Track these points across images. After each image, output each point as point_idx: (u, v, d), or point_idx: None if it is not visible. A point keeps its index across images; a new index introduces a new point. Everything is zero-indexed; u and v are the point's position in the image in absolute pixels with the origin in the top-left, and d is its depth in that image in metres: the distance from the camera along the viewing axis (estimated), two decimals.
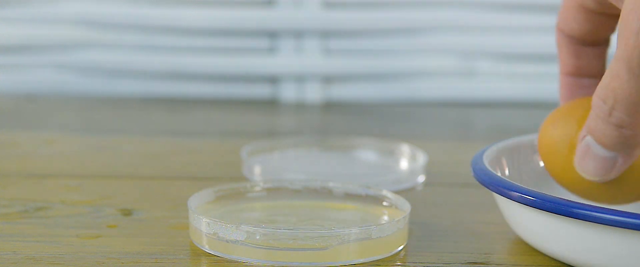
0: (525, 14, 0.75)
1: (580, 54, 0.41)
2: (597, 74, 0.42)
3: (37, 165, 0.55)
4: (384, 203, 0.44)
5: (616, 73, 0.35)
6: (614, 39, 0.40)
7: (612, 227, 0.36)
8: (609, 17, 0.40)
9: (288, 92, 0.75)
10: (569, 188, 0.40)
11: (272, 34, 0.77)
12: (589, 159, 0.37)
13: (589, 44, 0.41)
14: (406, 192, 0.50)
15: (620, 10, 0.37)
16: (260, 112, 0.74)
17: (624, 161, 0.37)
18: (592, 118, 0.37)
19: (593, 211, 0.36)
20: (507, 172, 0.44)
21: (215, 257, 0.39)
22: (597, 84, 0.40)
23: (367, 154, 0.56)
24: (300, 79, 0.75)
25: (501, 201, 0.41)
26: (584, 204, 0.37)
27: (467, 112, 0.74)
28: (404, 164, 0.54)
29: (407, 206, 0.42)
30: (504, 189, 0.39)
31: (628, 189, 0.39)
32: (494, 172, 0.41)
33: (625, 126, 0.36)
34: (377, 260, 0.40)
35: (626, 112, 0.35)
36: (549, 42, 0.77)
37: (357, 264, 0.39)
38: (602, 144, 0.37)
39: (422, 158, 0.53)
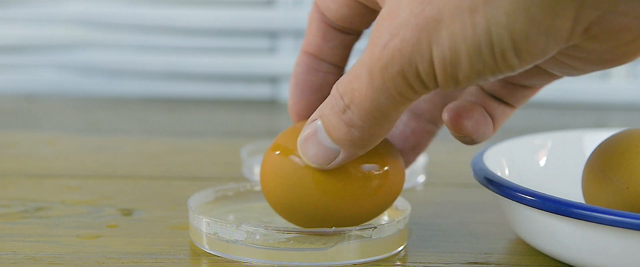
0: None
1: (328, 36, 0.40)
2: (337, 62, 0.41)
3: (37, 165, 0.55)
4: None
5: (358, 74, 0.34)
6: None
7: (612, 227, 0.36)
8: (368, 10, 0.39)
9: (288, 92, 0.75)
10: (288, 218, 0.40)
11: (272, 34, 0.77)
12: (313, 143, 0.37)
13: (340, 29, 0.40)
14: (406, 192, 0.50)
15: (379, 9, 0.37)
16: (260, 112, 0.74)
17: (345, 157, 0.37)
18: (328, 107, 0.36)
19: (593, 211, 0.36)
20: (507, 172, 0.44)
21: (215, 257, 0.39)
22: (334, 72, 0.41)
23: None
24: None
25: (501, 200, 0.41)
26: (584, 204, 0.37)
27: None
28: None
29: (407, 206, 0.42)
30: (504, 189, 0.39)
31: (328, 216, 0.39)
32: (494, 172, 0.41)
33: (355, 127, 0.36)
34: (377, 260, 0.40)
35: (359, 115, 0.35)
36: None
37: (357, 264, 0.39)
38: (329, 134, 0.36)
39: (422, 158, 0.53)
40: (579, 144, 0.47)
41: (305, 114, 0.41)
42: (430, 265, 0.40)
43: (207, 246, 0.40)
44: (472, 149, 0.52)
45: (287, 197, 0.39)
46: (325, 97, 0.38)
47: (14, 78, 0.78)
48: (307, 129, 0.37)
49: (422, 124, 0.42)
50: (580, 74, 0.35)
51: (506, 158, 0.45)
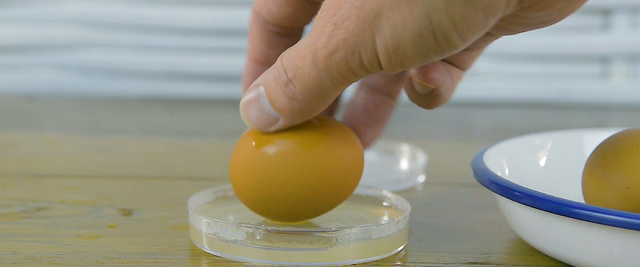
0: None
1: (273, 43, 0.42)
2: None
3: (37, 165, 0.55)
4: (384, 203, 0.44)
5: (303, 55, 0.36)
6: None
7: (612, 227, 0.36)
8: (309, 4, 0.41)
9: None
10: (258, 211, 0.40)
11: None
12: (255, 107, 0.39)
13: (283, 33, 0.42)
14: (406, 192, 0.50)
15: (321, 1, 0.39)
16: None
17: (285, 123, 0.38)
18: (271, 76, 0.38)
19: (593, 211, 0.36)
20: (507, 172, 0.44)
21: (215, 257, 0.39)
22: None
23: (367, 154, 0.55)
24: None
25: (501, 201, 0.41)
26: (584, 204, 0.37)
27: (467, 112, 0.74)
28: (404, 164, 0.54)
29: (407, 206, 0.42)
30: (504, 189, 0.39)
31: (298, 210, 0.40)
32: (494, 172, 0.41)
33: (296, 100, 0.37)
34: (377, 260, 0.40)
35: (301, 90, 0.37)
36: (550, 42, 0.77)
37: (357, 264, 0.39)
38: (271, 102, 0.38)
39: (422, 158, 0.53)
40: (579, 144, 0.47)
41: None
42: (430, 265, 0.40)
43: (207, 246, 0.40)
44: (472, 149, 0.52)
45: (256, 188, 0.39)
46: None
47: (14, 78, 0.78)
48: (250, 92, 0.39)
49: (380, 97, 0.44)
50: (516, 33, 0.37)
51: (506, 158, 0.45)
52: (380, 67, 0.35)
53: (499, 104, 0.76)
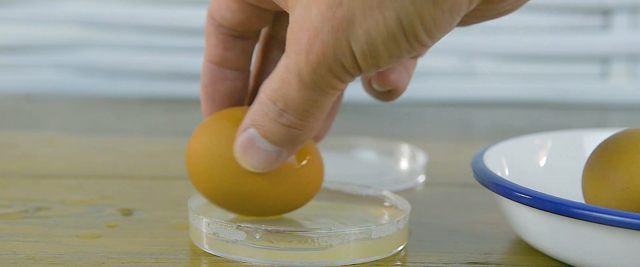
0: (525, 14, 0.75)
1: (228, 45, 0.42)
2: (242, 67, 0.42)
3: (37, 165, 0.55)
4: (384, 203, 0.44)
5: (287, 81, 0.36)
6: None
7: (612, 227, 0.36)
8: (262, 11, 0.41)
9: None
10: (220, 203, 0.41)
11: None
12: (253, 151, 0.38)
13: (239, 36, 0.42)
14: (406, 192, 0.50)
15: (278, 7, 0.39)
16: None
17: (288, 154, 0.39)
18: (259, 115, 0.38)
19: (593, 211, 0.36)
20: (507, 172, 0.44)
21: (215, 257, 0.39)
22: (240, 77, 0.42)
23: (367, 154, 0.56)
24: None
25: (501, 200, 0.41)
26: (584, 204, 0.37)
27: (467, 112, 0.74)
28: (404, 164, 0.54)
29: (407, 206, 0.42)
30: (504, 189, 0.39)
31: (273, 200, 0.40)
32: (494, 172, 0.41)
33: (295, 127, 0.37)
34: (377, 260, 0.40)
35: (296, 115, 0.37)
36: (549, 42, 0.77)
37: (357, 264, 0.39)
38: (268, 139, 0.38)
39: (422, 158, 0.53)
40: (579, 144, 0.47)
41: None
42: (430, 265, 0.40)
43: (207, 246, 0.40)
44: (472, 149, 0.52)
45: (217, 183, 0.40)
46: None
47: (14, 78, 0.78)
48: (242, 137, 0.38)
49: None
50: (475, 23, 0.38)
51: (506, 158, 0.45)
52: (360, 70, 0.36)
53: (499, 104, 0.76)
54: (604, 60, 0.77)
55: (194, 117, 0.71)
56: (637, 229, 0.36)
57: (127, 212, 0.46)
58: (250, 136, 0.38)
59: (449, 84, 0.76)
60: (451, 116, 0.72)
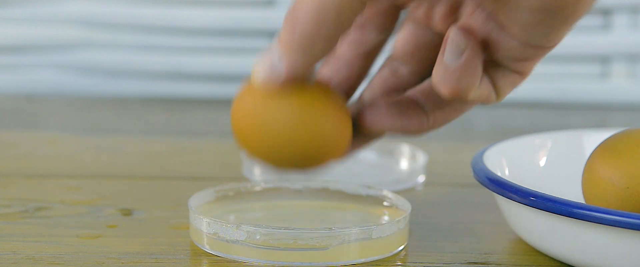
0: None
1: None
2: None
3: (37, 165, 0.55)
4: (384, 203, 0.44)
5: None
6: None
7: (612, 227, 0.36)
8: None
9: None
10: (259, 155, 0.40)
11: (272, 34, 0.77)
12: (264, 60, 0.38)
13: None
14: (406, 192, 0.50)
15: None
16: None
17: (288, 64, 0.37)
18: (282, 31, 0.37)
19: (593, 211, 0.36)
20: (507, 172, 0.44)
21: (216, 257, 0.39)
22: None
23: (367, 154, 0.56)
24: None
25: (501, 201, 0.41)
26: (584, 204, 0.37)
27: (467, 112, 0.74)
28: (404, 164, 0.54)
29: (407, 206, 0.42)
30: (504, 189, 0.39)
31: (310, 154, 0.39)
32: (494, 172, 0.41)
33: (300, 24, 0.36)
34: (377, 260, 0.40)
35: (303, 16, 0.36)
36: None
37: (357, 264, 0.39)
38: (278, 43, 0.37)
39: (422, 158, 0.53)
40: (579, 144, 0.47)
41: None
42: (430, 265, 0.40)
43: (207, 246, 0.40)
44: (472, 149, 0.52)
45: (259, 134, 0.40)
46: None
47: (14, 78, 0.78)
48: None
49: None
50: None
51: (506, 158, 0.45)
52: None
53: (499, 104, 0.76)
54: (604, 60, 0.77)
55: (194, 117, 0.71)
56: (637, 229, 0.36)
57: (127, 212, 0.46)
58: (270, 48, 0.38)
59: None
60: None
